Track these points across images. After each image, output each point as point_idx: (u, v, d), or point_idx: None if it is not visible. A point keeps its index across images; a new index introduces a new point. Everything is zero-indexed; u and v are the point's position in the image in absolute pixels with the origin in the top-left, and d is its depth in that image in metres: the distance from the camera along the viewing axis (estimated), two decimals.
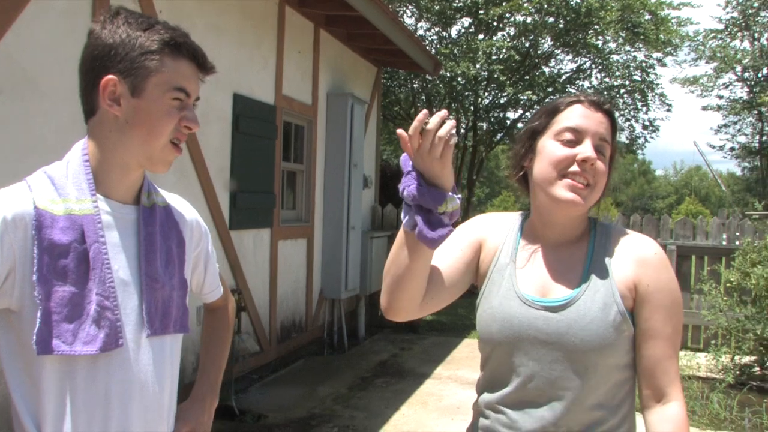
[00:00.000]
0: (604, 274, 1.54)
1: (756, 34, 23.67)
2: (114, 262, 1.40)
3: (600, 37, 14.72)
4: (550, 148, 1.55)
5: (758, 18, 22.77)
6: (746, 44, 24.48)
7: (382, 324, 9.01)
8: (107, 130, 1.42)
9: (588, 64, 16.11)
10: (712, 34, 24.30)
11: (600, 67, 15.91)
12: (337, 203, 7.61)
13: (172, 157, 1.50)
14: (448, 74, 12.75)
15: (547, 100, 14.87)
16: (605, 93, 14.50)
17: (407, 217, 1.41)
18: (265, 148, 6.29)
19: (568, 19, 13.75)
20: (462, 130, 15.56)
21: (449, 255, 1.63)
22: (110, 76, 1.37)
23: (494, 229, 1.68)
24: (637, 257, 1.55)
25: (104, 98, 1.39)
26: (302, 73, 7.09)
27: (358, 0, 6.47)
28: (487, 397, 1.60)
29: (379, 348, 7.93)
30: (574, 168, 1.50)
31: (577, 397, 1.50)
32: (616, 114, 17.05)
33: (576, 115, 1.55)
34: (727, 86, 26.08)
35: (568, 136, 1.53)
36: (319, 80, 7.40)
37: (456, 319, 9.41)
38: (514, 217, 1.72)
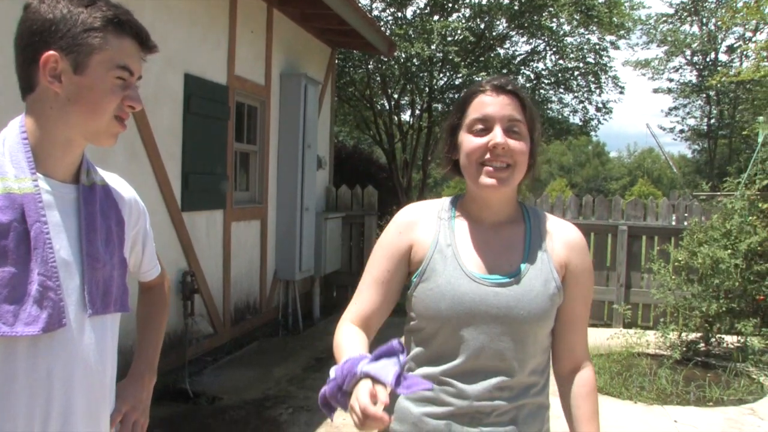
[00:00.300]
0: (542, 253, 1.70)
1: (704, 20, 24.12)
2: (55, 242, 1.39)
3: (554, 20, 14.83)
4: (465, 141, 1.66)
5: (706, 3, 23.17)
6: (695, 29, 24.92)
7: (337, 304, 9.04)
8: (47, 107, 1.40)
9: (542, 46, 16.24)
10: (663, 19, 24.68)
11: (554, 49, 16.05)
12: (291, 184, 7.59)
13: (118, 131, 1.49)
14: (402, 55, 12.74)
15: None
16: (510, 75, 14.63)
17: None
18: (218, 129, 6.24)
19: (522, 0, 13.83)
20: (417, 111, 15.59)
21: (383, 285, 1.72)
22: (51, 52, 1.35)
23: (422, 220, 1.74)
24: (568, 240, 1.74)
25: (44, 75, 1.37)
26: (255, 53, 7.03)
27: None
28: (430, 369, 1.66)
29: (334, 329, 7.86)
30: (488, 156, 1.62)
31: (519, 364, 1.64)
32: (569, 96, 17.28)
33: (481, 105, 1.65)
34: (677, 70, 26.59)
35: (479, 126, 1.64)
36: (272, 60, 7.35)
37: None
38: (441, 202, 1.79)
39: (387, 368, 1.37)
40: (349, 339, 1.63)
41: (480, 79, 13.89)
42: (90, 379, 1.46)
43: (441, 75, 14.34)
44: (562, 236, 1.74)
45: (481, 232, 1.71)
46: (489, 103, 1.64)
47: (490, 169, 1.62)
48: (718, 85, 18.82)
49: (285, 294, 7.91)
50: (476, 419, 1.62)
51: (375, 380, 1.36)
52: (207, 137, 6.05)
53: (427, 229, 1.72)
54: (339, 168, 11.09)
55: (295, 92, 7.62)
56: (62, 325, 1.38)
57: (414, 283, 1.68)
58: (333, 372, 1.45)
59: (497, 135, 1.61)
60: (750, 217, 6.89)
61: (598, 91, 17.36)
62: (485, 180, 1.62)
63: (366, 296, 1.73)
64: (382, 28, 12.92)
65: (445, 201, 1.79)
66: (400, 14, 14.57)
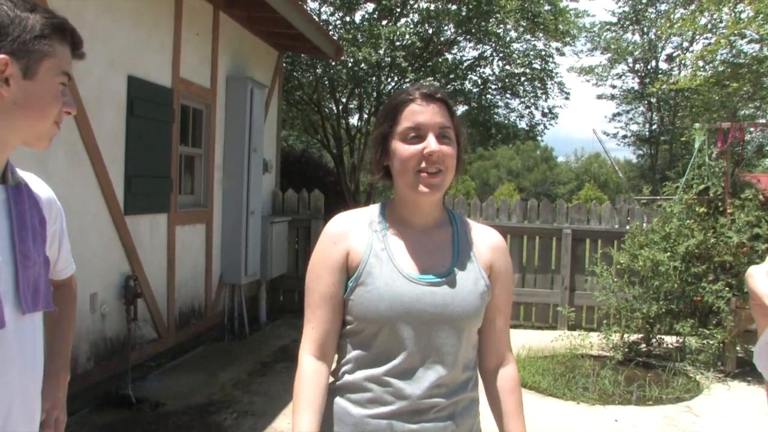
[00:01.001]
0: (470, 254, 1.79)
1: (645, 29, 24.70)
2: None
3: (501, 26, 15.02)
4: (399, 149, 1.71)
5: (647, 14, 23.76)
6: (637, 37, 25.51)
7: (284, 309, 9.01)
8: None
9: (489, 52, 16.43)
10: (607, 27, 25.20)
11: (501, 54, 16.26)
12: (237, 188, 7.54)
13: (55, 134, 1.50)
14: (350, 60, 12.76)
15: (448, 86, 15.11)
16: (435, 82, 14.83)
17: None
18: (162, 132, 6.17)
19: (470, 6, 13.97)
20: (365, 115, 15.62)
21: (331, 300, 1.74)
22: (2, 56, 1.35)
23: (353, 228, 1.77)
24: (492, 244, 1.85)
25: None
26: (201, 56, 6.97)
27: None
28: (371, 371, 1.70)
29: (281, 333, 7.93)
30: (424, 164, 1.68)
31: (455, 360, 1.72)
32: (515, 101, 17.51)
33: (413, 114, 1.70)
34: (620, 76, 27.15)
35: (412, 134, 1.69)
36: (218, 63, 7.29)
37: None
38: (370, 210, 1.84)
39: None
40: (309, 395, 1.69)
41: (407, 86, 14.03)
42: (25, 378, 1.47)
43: (389, 80, 14.41)
44: (486, 240, 1.84)
45: (413, 235, 1.77)
46: (420, 112, 1.69)
47: (425, 176, 1.68)
48: (659, 92, 19.30)
49: (231, 298, 7.84)
50: (416, 416, 1.67)
51: None
52: (151, 140, 5.97)
53: (360, 236, 1.76)
54: (286, 172, 11.04)
55: (241, 96, 7.57)
56: (3, 326, 1.37)
57: (350, 288, 1.71)
58: None
59: (431, 143, 1.67)
60: (688, 221, 7.08)
61: (544, 96, 17.64)
62: (422, 188, 1.68)
63: (319, 316, 1.74)
64: (330, 32, 12.92)
65: (374, 208, 1.84)
66: (348, 18, 14.59)
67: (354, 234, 1.76)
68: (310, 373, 1.72)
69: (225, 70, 7.52)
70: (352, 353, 1.73)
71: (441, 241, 1.79)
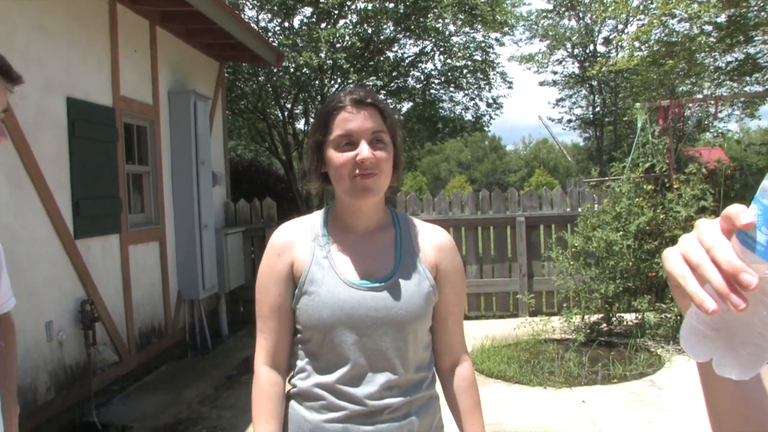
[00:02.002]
0: (413, 255, 1.80)
1: (581, 14, 25.09)
2: None
3: (440, 20, 15.11)
4: (333, 158, 1.72)
5: None
6: (573, 23, 25.90)
7: (245, 320, 8.94)
8: None
9: (430, 47, 16.52)
10: (544, 14, 25.52)
11: (442, 49, 16.36)
12: (187, 203, 7.45)
13: None
14: (292, 65, 12.71)
15: (392, 84, 15.15)
16: (370, 86, 14.94)
17: None
18: (106, 152, 6.07)
19: (407, 3, 14.03)
20: (311, 119, 15.57)
21: (280, 311, 1.76)
22: None
23: (297, 238, 1.80)
24: (436, 243, 1.85)
25: None
26: (140, 72, 6.87)
27: None
28: (322, 379, 1.72)
29: (244, 344, 7.86)
30: (357, 170, 1.69)
31: (404, 362, 1.73)
32: (460, 94, 17.63)
33: (344, 121, 1.71)
34: (560, 62, 27.52)
35: (345, 141, 1.71)
36: (158, 79, 7.20)
37: None
38: (313, 218, 1.86)
39: None
40: (268, 406, 1.73)
41: (371, 84, 14.05)
42: None
43: (332, 82, 14.40)
44: (431, 239, 1.84)
45: (355, 240, 1.79)
46: (351, 119, 1.71)
47: (360, 180, 1.69)
48: (599, 75, 19.62)
49: (191, 314, 7.76)
50: (371, 418, 1.69)
51: None
52: (96, 161, 5.87)
53: (303, 245, 1.77)
54: (237, 182, 10.97)
55: (184, 110, 7.49)
56: None
57: (296, 296, 1.74)
58: None
59: (363, 150, 1.68)
60: (637, 199, 7.21)
61: (487, 87, 17.80)
62: (356, 191, 1.70)
63: (270, 327, 1.77)
64: (270, 39, 12.87)
65: (317, 216, 1.86)
66: (287, 24, 14.54)
67: (298, 244, 1.78)
68: (267, 383, 1.75)
69: (166, 85, 7.42)
70: (304, 361, 1.76)
71: (383, 243, 1.81)
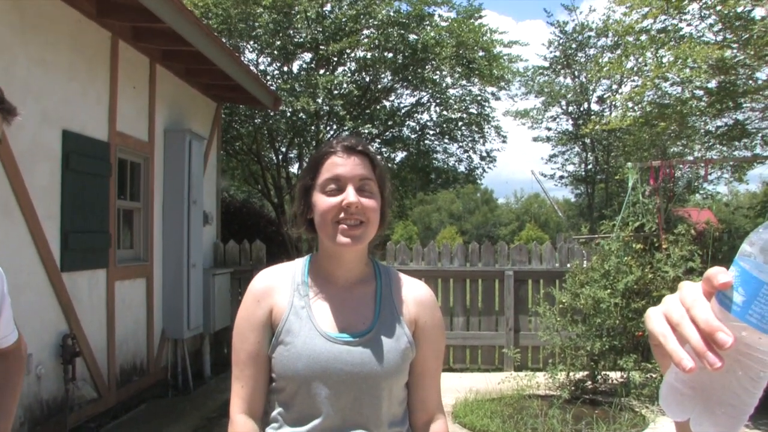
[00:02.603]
0: (392, 309, 1.77)
1: (576, 72, 25.46)
2: None
3: (437, 72, 15.30)
4: (320, 201, 1.71)
5: (577, 58, 24.53)
6: (568, 81, 26.25)
7: (228, 362, 8.80)
8: None
9: (427, 98, 16.69)
10: (540, 71, 25.87)
11: (438, 100, 16.53)
12: (177, 241, 7.43)
13: None
14: (289, 109, 12.82)
15: (387, 133, 15.27)
16: (360, 135, 15.08)
17: None
18: (99, 186, 6.07)
19: (406, 54, 14.22)
20: (305, 164, 15.64)
21: (257, 358, 1.72)
22: None
23: (277, 285, 1.77)
24: (417, 298, 1.82)
25: None
26: (138, 109, 6.92)
27: (194, 35, 6.43)
28: (295, 430, 1.69)
29: (226, 386, 7.72)
30: (343, 214, 1.68)
31: (378, 418, 1.70)
32: (454, 146, 17.75)
33: (333, 165, 1.71)
34: (554, 119, 27.79)
35: (332, 186, 1.71)
36: (155, 116, 7.25)
37: None
38: (294, 265, 1.83)
39: None
40: None
41: (366, 131, 14.16)
42: None
43: (328, 128, 14.51)
44: (412, 294, 1.82)
45: (335, 291, 1.77)
46: (340, 164, 1.71)
47: (345, 227, 1.68)
48: (592, 133, 19.83)
49: (174, 353, 7.67)
50: None
51: None
52: (88, 195, 5.87)
53: (283, 293, 1.75)
54: (227, 223, 10.95)
55: (179, 148, 7.52)
56: None
57: (272, 345, 1.71)
58: None
59: (350, 194, 1.67)
60: (625, 258, 7.23)
61: (481, 140, 17.93)
62: (341, 238, 1.68)
63: (247, 375, 1.73)
64: (268, 83, 12.99)
65: (299, 263, 1.83)
66: (286, 69, 14.69)
67: (277, 291, 1.76)
68: (244, 427, 1.72)
69: (163, 123, 7.47)
70: (277, 411, 1.73)
71: (363, 296, 1.78)
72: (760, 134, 10.78)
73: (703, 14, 8.05)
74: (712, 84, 8.71)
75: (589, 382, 7.35)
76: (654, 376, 6.80)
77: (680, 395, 0.70)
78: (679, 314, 0.70)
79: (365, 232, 1.71)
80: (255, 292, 1.76)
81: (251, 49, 14.47)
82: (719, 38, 8.09)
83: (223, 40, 10.60)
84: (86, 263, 5.89)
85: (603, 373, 7.40)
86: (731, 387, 0.67)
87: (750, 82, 8.51)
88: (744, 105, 9.38)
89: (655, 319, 0.74)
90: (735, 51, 7.73)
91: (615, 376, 7.41)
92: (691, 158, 11.20)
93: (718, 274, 0.68)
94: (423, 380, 1.82)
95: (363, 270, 1.82)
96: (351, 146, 1.74)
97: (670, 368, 0.72)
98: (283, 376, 1.68)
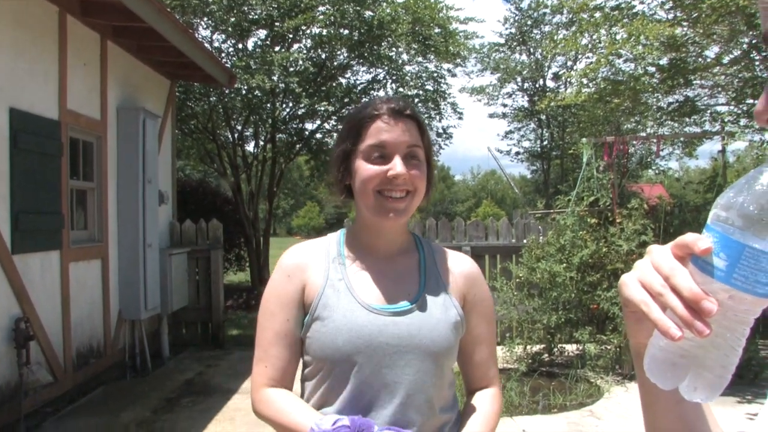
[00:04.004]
0: (439, 282, 1.64)
1: (531, 49, 25.65)
2: None
3: (393, 49, 15.24)
4: (361, 169, 1.56)
5: (532, 34, 24.70)
6: (524, 57, 26.44)
7: (187, 342, 8.80)
8: None
9: (383, 75, 16.63)
10: (496, 48, 26.00)
11: (394, 77, 16.48)
12: (132, 221, 7.33)
13: None
14: (244, 87, 12.66)
15: (343, 110, 15.20)
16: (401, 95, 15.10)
17: None
18: (50, 166, 5.94)
19: (362, 31, 14.12)
20: (261, 142, 15.52)
21: (287, 338, 1.59)
22: None
23: (310, 260, 1.64)
24: (464, 272, 1.69)
25: None
26: (89, 87, 6.77)
27: (145, 11, 6.29)
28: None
29: (185, 367, 7.73)
30: (389, 185, 1.54)
31: (428, 400, 1.55)
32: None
33: (378, 131, 1.56)
34: (510, 95, 28.01)
35: (376, 154, 1.56)
36: (108, 94, 7.10)
37: None
38: (328, 239, 1.70)
39: None
40: (295, 399, 1.54)
41: (322, 109, 14.07)
42: None
43: (284, 105, 14.38)
44: (459, 267, 1.69)
45: (375, 262, 1.64)
46: (386, 130, 1.55)
47: (389, 198, 1.55)
48: (547, 110, 20.01)
49: (131, 334, 7.59)
50: None
51: None
52: (38, 175, 5.74)
53: (317, 268, 1.62)
54: (183, 202, 10.83)
55: (133, 127, 7.39)
56: None
57: (306, 324, 1.57)
58: (330, 421, 1.37)
59: (397, 165, 1.53)
60: (580, 232, 7.35)
61: (438, 117, 17.95)
62: (383, 211, 1.55)
63: (273, 355, 1.57)
64: (223, 60, 12.81)
65: (333, 236, 1.71)
66: (241, 46, 14.49)
67: (311, 266, 1.62)
68: (277, 393, 1.56)
69: (115, 101, 7.33)
70: (315, 397, 1.58)
71: (406, 267, 1.65)
72: (709, 111, 11.01)
73: None
74: (664, 61, 8.85)
75: (546, 355, 7.49)
76: (608, 347, 6.94)
77: (671, 365, 0.71)
78: (660, 283, 0.71)
79: (411, 203, 1.58)
80: (285, 267, 1.63)
81: (205, 26, 14.22)
82: (670, 16, 8.21)
83: (177, 16, 10.39)
84: (38, 245, 5.77)
85: (559, 345, 7.55)
86: (722, 348, 0.69)
87: (699, 59, 8.67)
88: (694, 82, 9.56)
89: (632, 286, 0.74)
90: (685, 29, 7.85)
91: (571, 348, 7.55)
92: (644, 134, 11.38)
93: (697, 240, 0.68)
94: (475, 357, 1.69)
95: (404, 240, 1.69)
96: (399, 109, 1.58)
97: (654, 339, 0.73)
98: (321, 355, 1.53)
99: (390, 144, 1.55)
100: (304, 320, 1.58)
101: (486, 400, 1.67)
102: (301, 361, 1.63)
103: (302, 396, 1.61)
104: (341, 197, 1.68)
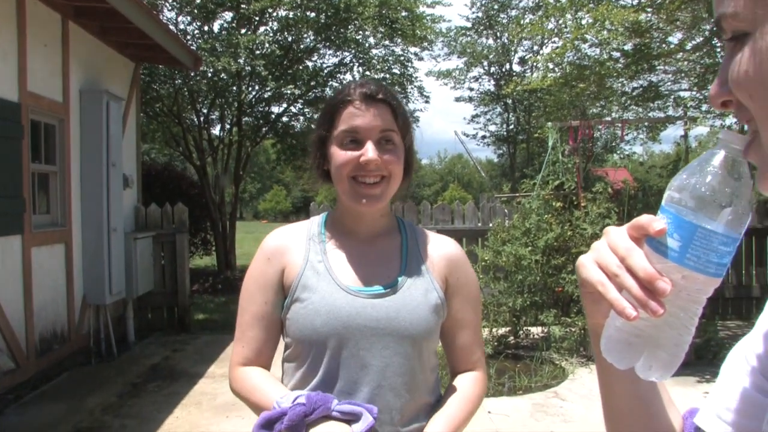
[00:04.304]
0: (420, 264, 1.63)
1: (498, 33, 25.71)
2: None
3: (360, 32, 15.19)
4: (335, 155, 1.57)
5: (499, 18, 24.76)
6: (491, 41, 26.50)
7: (153, 327, 8.73)
8: None
9: (349, 58, 16.57)
10: (462, 32, 26.01)
11: (361, 60, 16.43)
12: (96, 205, 7.24)
13: None
14: (210, 70, 12.54)
15: (309, 93, 15.13)
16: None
17: None
18: (10, 149, 5.84)
19: (328, 14, 14.04)
20: (227, 126, 15.40)
21: (264, 320, 1.60)
22: None
23: (291, 243, 1.65)
24: (447, 255, 1.67)
25: None
26: (51, 68, 6.65)
27: None
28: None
29: (151, 352, 7.68)
30: (362, 171, 1.54)
31: (407, 382, 1.56)
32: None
33: (350, 116, 1.56)
34: (476, 79, 28.07)
35: (349, 139, 1.56)
36: (70, 76, 6.98)
37: (229, 316, 9.32)
38: (310, 222, 1.71)
39: (364, 417, 1.36)
40: (266, 377, 1.56)
41: (288, 92, 13.99)
42: None
43: (249, 89, 14.27)
44: (441, 250, 1.68)
45: (356, 245, 1.64)
46: (358, 115, 1.55)
47: (363, 184, 1.56)
48: (514, 94, 20.10)
49: (96, 319, 7.52)
50: None
51: (346, 421, 1.36)
52: None
53: (297, 250, 1.63)
54: (148, 186, 10.72)
55: (96, 109, 7.28)
56: None
57: (286, 306, 1.58)
58: (291, 399, 1.38)
59: (369, 150, 1.53)
60: (546, 216, 7.42)
61: (404, 100, 17.93)
62: (357, 196, 1.56)
63: (251, 337, 1.59)
64: (189, 43, 12.66)
65: (315, 219, 1.72)
66: (206, 28, 14.33)
67: (291, 249, 1.63)
68: (251, 371, 1.58)
69: (78, 83, 7.21)
70: (294, 379, 1.59)
71: (388, 250, 1.65)
72: (672, 96, 11.15)
73: None
74: (629, 46, 8.93)
75: (512, 338, 7.56)
76: (573, 330, 7.04)
77: (626, 344, 0.73)
78: (616, 264, 0.72)
79: (386, 189, 1.58)
80: (266, 250, 1.64)
81: (170, 8, 14.03)
82: (635, 2, 8.29)
83: None
84: None
85: (525, 328, 7.62)
86: (676, 327, 0.71)
87: (663, 45, 8.77)
88: (658, 68, 9.67)
89: (589, 267, 0.75)
90: (649, 15, 7.93)
91: (536, 330, 7.64)
92: (609, 119, 11.50)
93: (652, 222, 0.70)
94: (458, 341, 1.68)
95: (386, 222, 1.69)
96: (371, 94, 1.57)
97: (609, 320, 0.75)
98: (300, 337, 1.54)
99: (362, 129, 1.55)
100: (284, 302, 1.59)
101: (467, 383, 1.67)
102: (283, 343, 1.64)
103: (282, 377, 1.62)
104: (320, 183, 1.69)
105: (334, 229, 1.67)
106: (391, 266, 1.61)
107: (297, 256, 1.61)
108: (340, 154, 1.56)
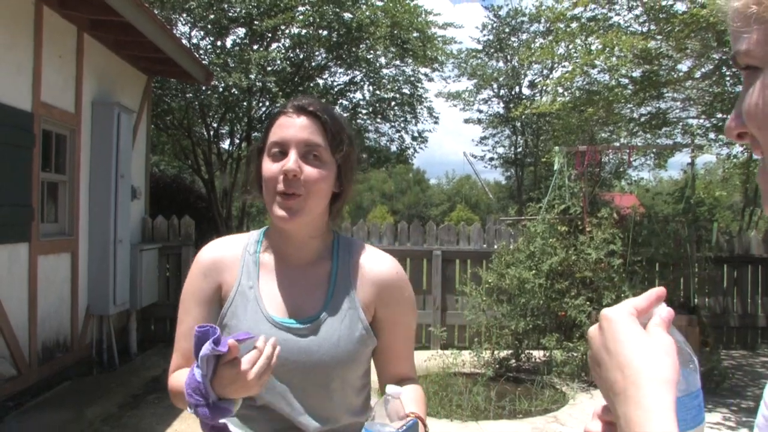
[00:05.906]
0: (348, 292, 1.59)
1: (508, 56, 25.80)
2: None
3: (371, 52, 15.28)
4: (263, 167, 1.55)
5: (510, 42, 24.88)
6: (501, 64, 26.58)
7: (156, 338, 8.75)
8: None
9: (360, 77, 16.67)
10: (473, 54, 26.11)
11: (371, 80, 16.52)
12: (104, 216, 7.29)
13: None
14: (221, 85, 12.64)
15: None
16: (319, 97, 15.07)
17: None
18: (21, 158, 5.90)
19: (340, 32, 14.15)
20: (236, 140, 15.47)
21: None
22: None
23: (227, 258, 1.63)
24: (379, 277, 1.63)
25: None
26: (64, 79, 6.73)
27: (123, 5, 6.27)
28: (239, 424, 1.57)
29: (152, 363, 7.69)
30: (281, 185, 1.50)
31: (329, 409, 1.56)
32: (386, 126, 17.80)
33: (280, 127, 1.54)
34: (486, 101, 28.11)
35: (276, 150, 1.53)
36: (83, 87, 7.06)
37: None
38: (248, 237, 1.68)
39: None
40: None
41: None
42: None
43: (260, 104, 14.36)
44: (374, 272, 1.63)
45: (287, 270, 1.60)
46: (286, 126, 1.53)
47: (281, 199, 1.51)
48: (522, 117, 20.15)
49: (99, 329, 7.54)
50: None
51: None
52: (9, 166, 5.69)
53: (232, 269, 1.60)
54: (157, 198, 10.78)
55: (107, 121, 7.36)
56: None
57: (219, 324, 1.57)
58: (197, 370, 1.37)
59: (290, 160, 1.49)
60: (550, 239, 7.42)
61: (414, 120, 18.02)
62: (276, 211, 1.51)
63: (184, 347, 1.60)
64: (201, 57, 12.76)
65: (252, 236, 1.68)
66: (219, 43, 14.45)
67: (226, 266, 1.61)
68: (178, 372, 1.60)
69: (91, 95, 7.28)
70: None
71: (317, 278, 1.60)
72: (680, 123, 11.17)
73: (630, 5, 8.28)
74: (637, 73, 8.96)
75: (513, 361, 7.55)
76: (575, 354, 7.03)
77: None
78: None
79: (304, 205, 1.51)
80: (202, 265, 1.62)
81: (184, 22, 14.16)
82: (644, 29, 8.34)
83: (155, 11, 10.35)
84: (6, 237, 5.72)
85: (526, 351, 7.61)
86: None
87: (672, 73, 8.80)
88: (666, 95, 9.69)
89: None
90: (658, 42, 7.97)
91: (538, 354, 7.62)
92: (617, 144, 11.52)
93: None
94: (395, 362, 1.67)
95: (318, 247, 1.64)
96: (302, 106, 1.54)
97: None
98: None
99: (286, 141, 1.52)
100: (219, 313, 1.59)
101: (410, 385, 1.64)
102: None
103: None
104: (253, 195, 1.64)
105: (270, 249, 1.63)
106: (318, 297, 1.58)
107: (230, 276, 1.60)
108: (266, 167, 1.53)
